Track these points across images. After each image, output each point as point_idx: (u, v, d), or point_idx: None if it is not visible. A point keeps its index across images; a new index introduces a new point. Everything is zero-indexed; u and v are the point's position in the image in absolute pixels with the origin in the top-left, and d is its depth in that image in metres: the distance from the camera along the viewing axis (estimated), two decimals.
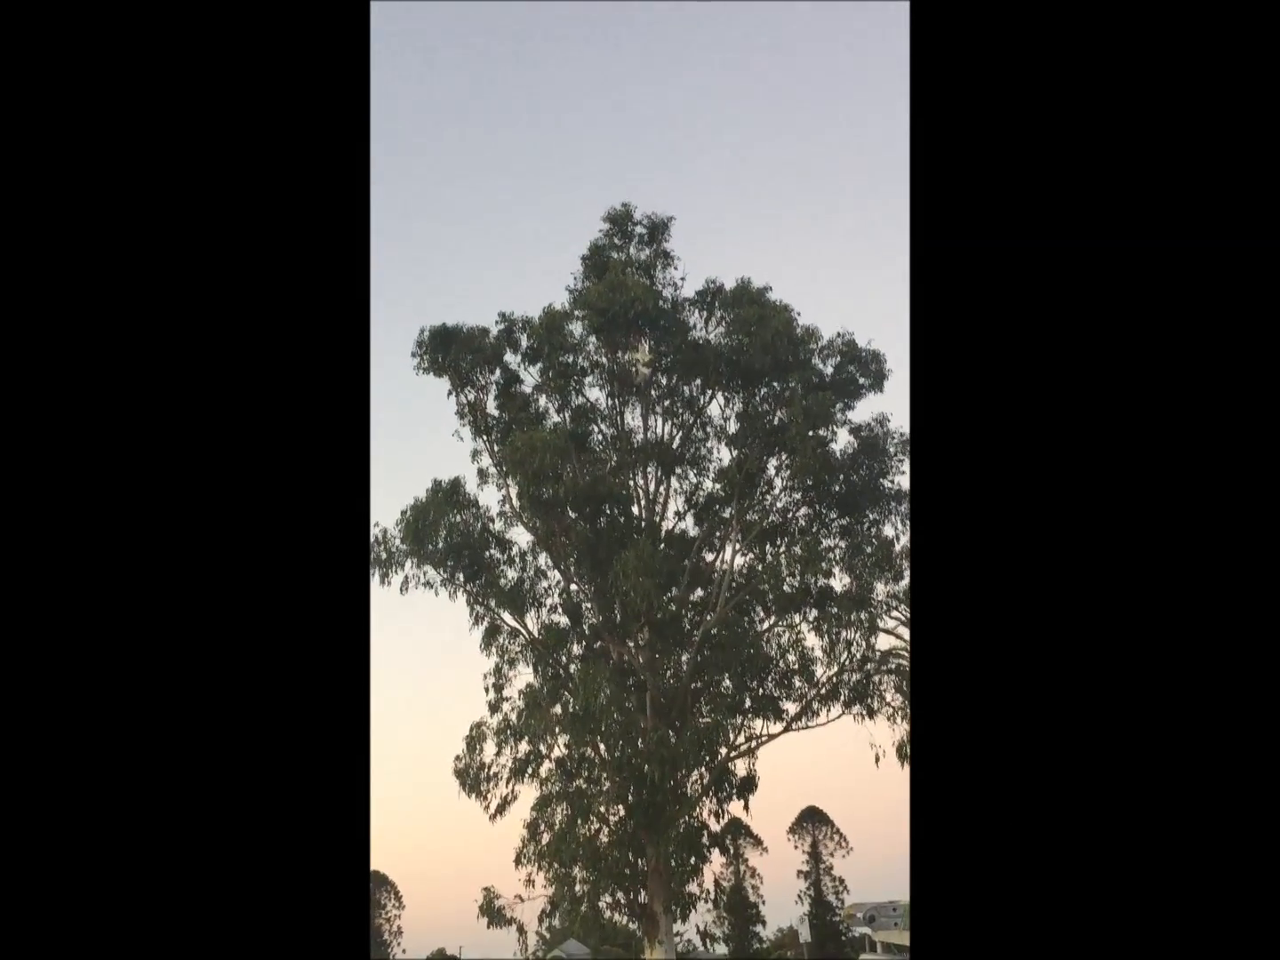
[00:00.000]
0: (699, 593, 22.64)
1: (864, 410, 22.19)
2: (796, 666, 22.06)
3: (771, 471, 22.56)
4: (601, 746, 20.10)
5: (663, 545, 21.95)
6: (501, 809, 20.74)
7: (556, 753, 20.67)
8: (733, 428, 22.60)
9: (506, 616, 22.39)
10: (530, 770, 20.78)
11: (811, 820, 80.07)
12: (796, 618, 22.12)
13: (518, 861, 20.23)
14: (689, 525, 23.19)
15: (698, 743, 20.02)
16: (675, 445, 22.96)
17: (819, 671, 21.88)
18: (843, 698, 21.63)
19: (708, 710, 21.69)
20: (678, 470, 23.12)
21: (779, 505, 22.67)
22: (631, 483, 22.54)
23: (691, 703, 21.39)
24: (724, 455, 23.04)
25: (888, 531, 21.93)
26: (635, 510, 22.49)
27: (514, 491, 22.02)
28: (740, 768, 21.63)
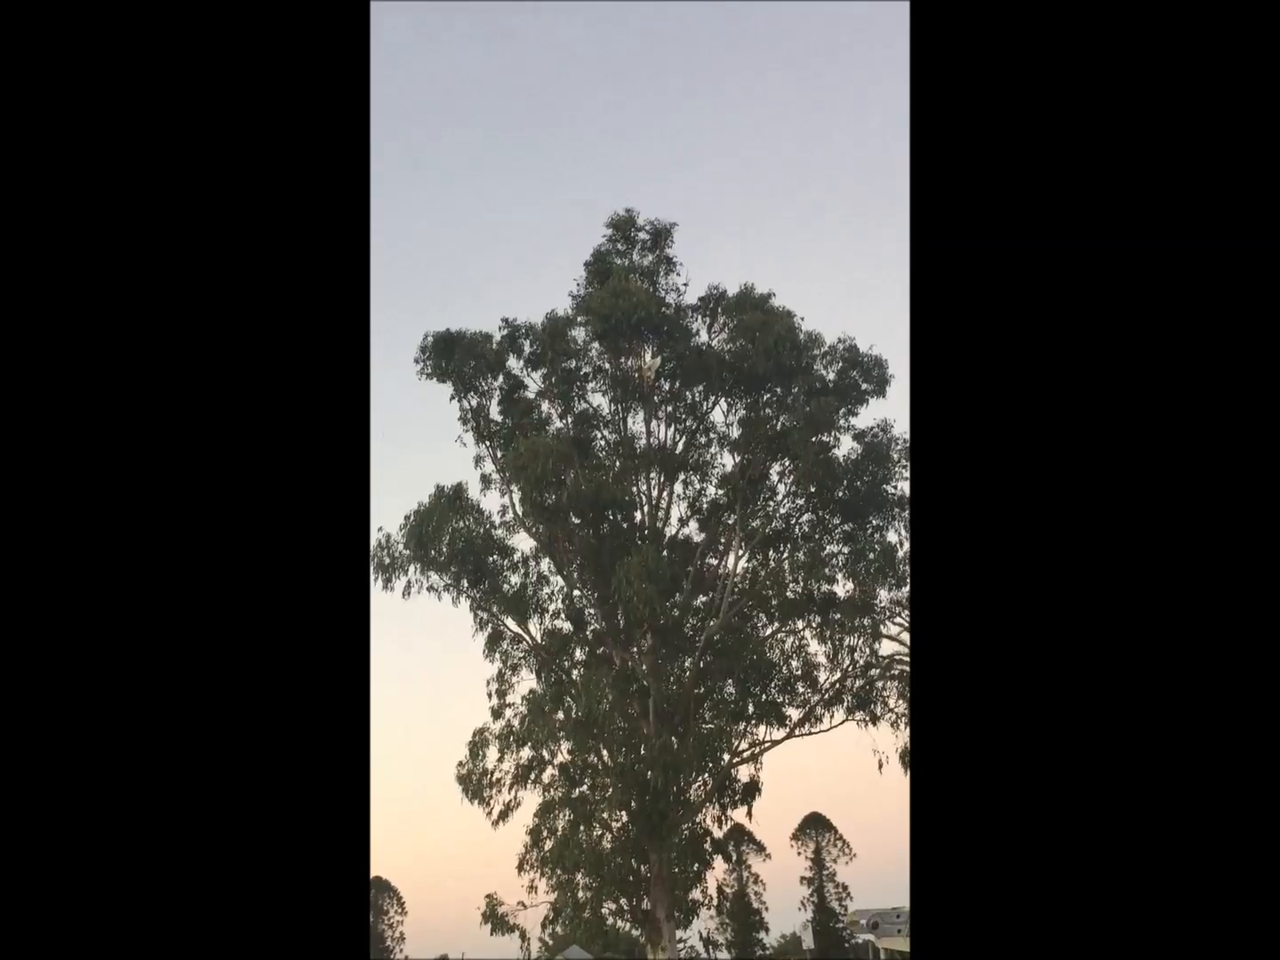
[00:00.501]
0: (702, 598, 22.63)
1: (867, 416, 22.14)
2: (800, 672, 22.13)
3: (774, 477, 22.57)
4: (604, 752, 20.12)
5: (666, 551, 21.93)
6: (504, 815, 20.72)
7: (559, 759, 20.68)
8: (735, 433, 22.63)
9: (509, 622, 22.42)
10: (533, 776, 20.77)
11: (815, 826, 79.89)
12: (800, 623, 22.17)
13: (520, 868, 20.26)
14: (692, 531, 23.22)
15: (701, 749, 20.14)
16: (678, 451, 22.94)
17: (822, 677, 21.99)
18: (846, 704, 21.65)
19: (711, 716, 21.70)
20: (681, 476, 23.10)
21: (782, 511, 22.67)
22: (634, 489, 22.52)
23: (694, 709, 21.36)
24: (727, 461, 23.09)
25: (891, 537, 21.96)
26: (638, 516, 22.49)
27: (517, 497, 22.04)
28: (743, 774, 21.67)
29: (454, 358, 21.87)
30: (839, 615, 21.24)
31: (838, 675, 21.69)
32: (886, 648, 21.44)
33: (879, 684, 21.58)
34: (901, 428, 22.36)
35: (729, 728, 21.07)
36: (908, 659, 21.31)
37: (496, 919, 19.99)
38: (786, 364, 21.14)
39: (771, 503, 22.67)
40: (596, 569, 21.35)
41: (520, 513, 22.18)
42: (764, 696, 21.90)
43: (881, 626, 21.11)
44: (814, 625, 21.90)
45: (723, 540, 22.82)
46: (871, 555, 21.27)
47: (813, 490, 21.78)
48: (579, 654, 22.55)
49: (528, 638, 22.27)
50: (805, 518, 22.58)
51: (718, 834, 21.25)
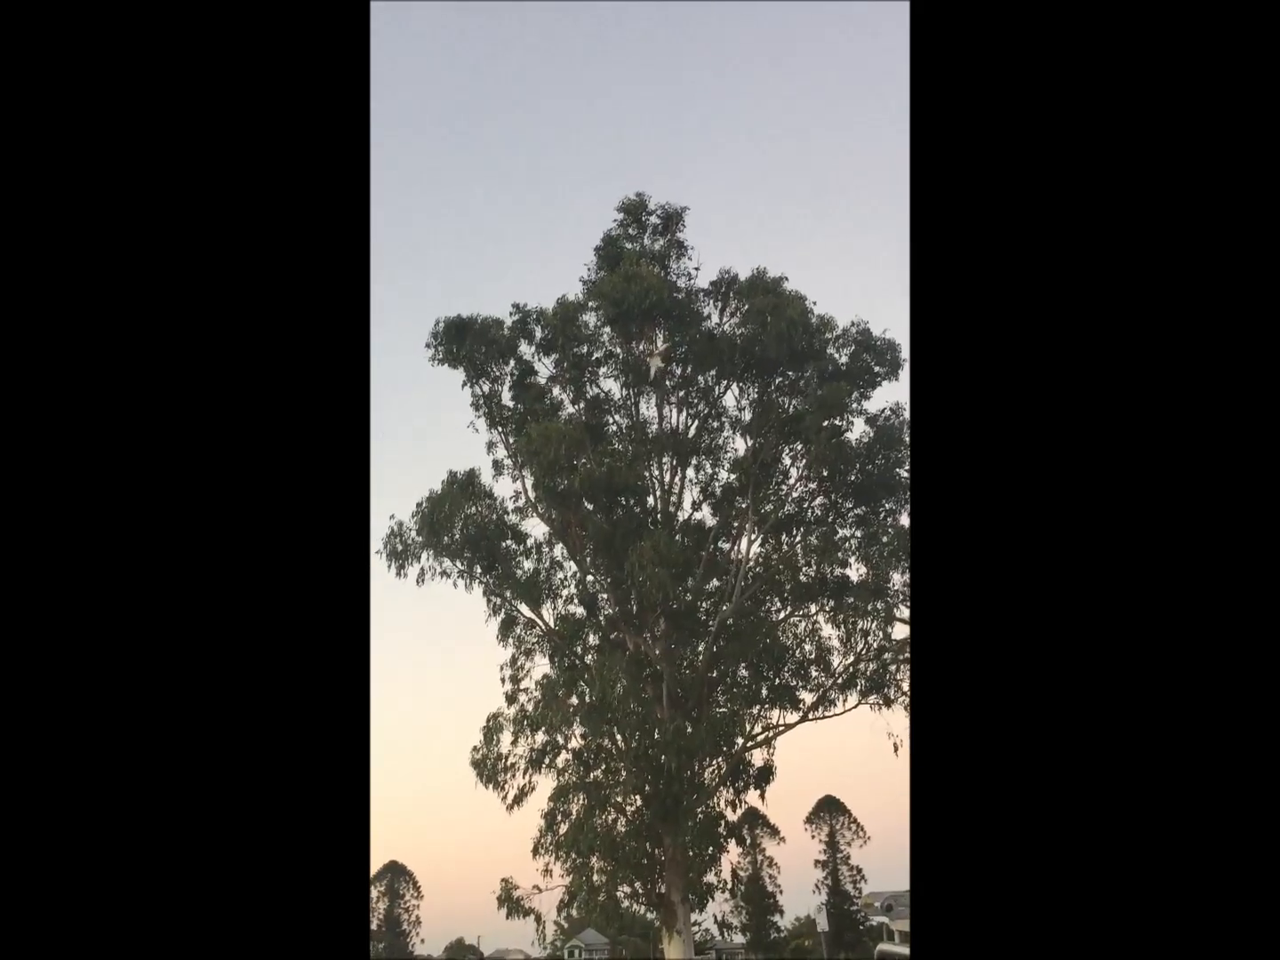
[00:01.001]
0: (715, 583, 22.62)
1: (879, 399, 22.19)
2: (813, 656, 22.13)
3: (787, 461, 22.55)
4: (618, 737, 20.15)
5: (679, 536, 21.95)
6: (519, 800, 20.70)
7: (573, 743, 20.70)
8: (748, 418, 22.61)
9: (523, 608, 22.47)
10: (547, 761, 20.77)
11: (829, 810, 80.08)
12: (813, 607, 22.17)
13: (535, 852, 20.26)
14: (705, 515, 23.24)
15: (714, 733, 20.08)
16: (690, 436, 22.96)
17: (835, 661, 21.99)
18: (859, 687, 21.61)
19: (724, 700, 21.73)
20: (693, 461, 23.10)
21: (795, 495, 22.67)
22: (647, 473, 22.53)
23: (708, 693, 21.40)
24: (739, 445, 23.10)
25: (904, 521, 21.87)
26: (651, 501, 22.52)
27: (529, 483, 22.09)
28: (757, 758, 21.70)
29: (465, 343, 21.90)
30: (852, 599, 21.22)
31: (851, 659, 21.67)
32: (899, 631, 21.43)
33: (892, 667, 21.55)
34: None
35: (742, 711, 21.07)
36: None
37: (512, 903, 20.02)
38: (799, 348, 21.10)
39: (784, 487, 22.67)
40: (609, 554, 21.38)
41: (532, 498, 22.22)
42: (777, 680, 21.91)
43: (895, 610, 21.06)
44: (827, 609, 21.91)
45: (735, 524, 22.83)
46: (884, 539, 21.23)
47: (825, 474, 21.78)
48: (592, 639, 22.60)
49: (541, 623, 22.33)
50: (818, 502, 22.58)
51: (732, 818, 21.22)
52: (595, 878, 19.56)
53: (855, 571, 21.69)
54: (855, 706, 21.75)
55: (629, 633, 21.59)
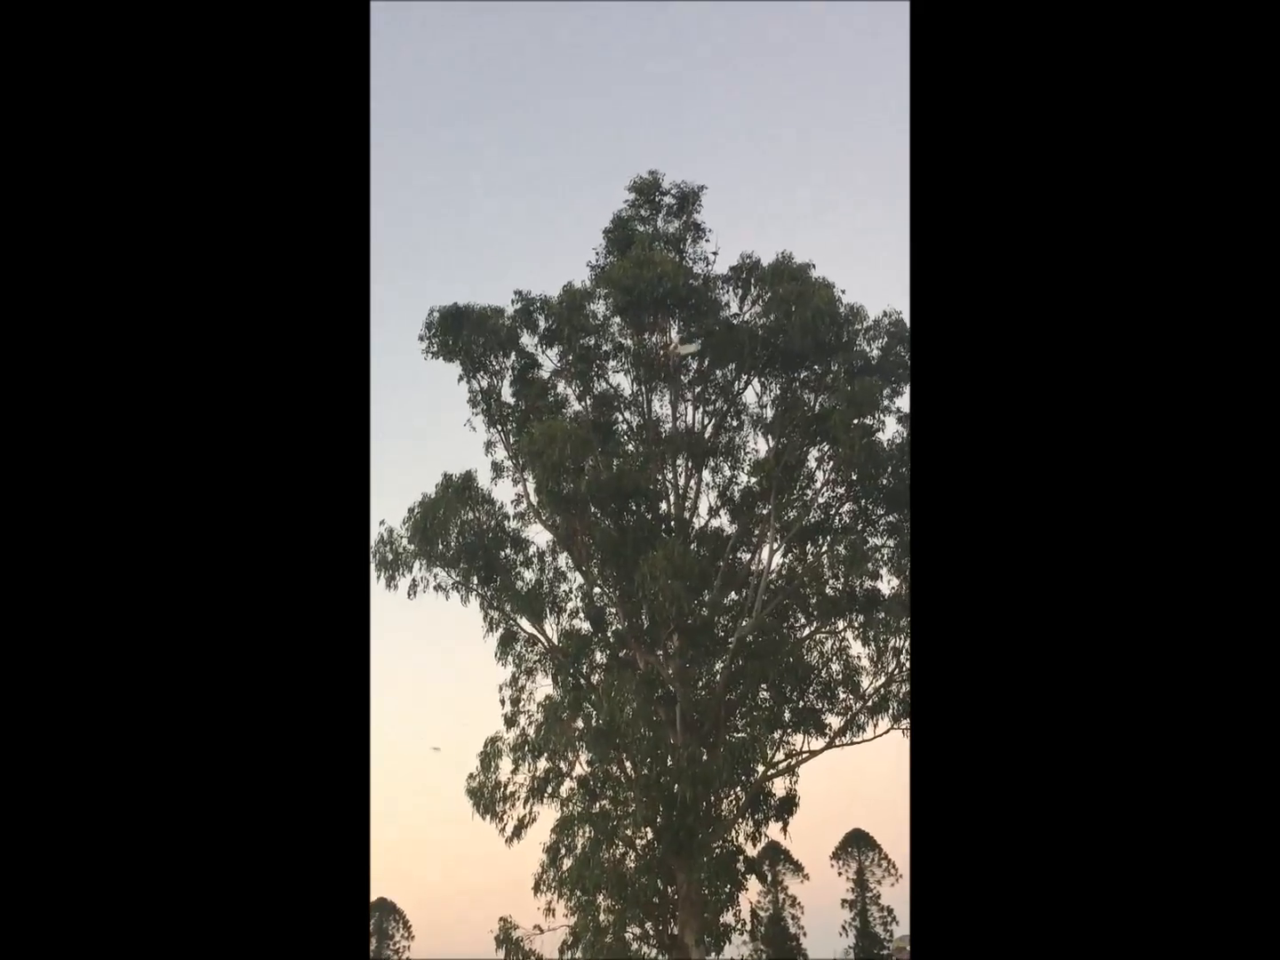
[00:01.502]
0: (733, 596, 22.65)
1: None
2: (840, 676, 22.12)
3: (813, 464, 22.57)
4: (627, 764, 20.23)
5: (694, 544, 21.99)
6: (519, 831, 20.83)
7: (578, 771, 20.78)
8: (770, 416, 22.64)
9: (523, 623, 22.52)
10: (550, 790, 20.87)
11: (857, 845, 79.86)
12: (840, 623, 22.19)
13: (537, 889, 20.31)
14: (723, 522, 23.25)
15: (732, 760, 20.09)
16: (707, 435, 22.99)
17: (865, 682, 21.96)
18: (891, 710, 21.61)
19: (743, 724, 21.73)
20: (710, 463, 23.13)
21: (821, 500, 22.64)
22: (660, 476, 22.58)
23: (725, 716, 21.43)
24: (761, 446, 23.10)
25: None
26: (664, 506, 22.54)
27: (531, 486, 22.18)
28: (779, 787, 21.74)
29: (462, 334, 21.97)
30: (883, 614, 21.22)
31: (882, 679, 21.68)
32: None
33: None
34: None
35: (763, 737, 20.99)
36: None
37: (511, 944, 20.07)
38: (826, 340, 21.10)
39: (809, 491, 22.65)
40: (618, 564, 21.42)
41: (535, 503, 22.29)
42: (801, 703, 21.94)
43: None
44: (856, 625, 21.94)
45: (756, 532, 22.85)
46: None
47: (854, 478, 21.79)
48: (599, 657, 22.61)
49: (543, 639, 22.37)
50: (846, 508, 22.57)
51: (751, 852, 21.33)
52: (602, 917, 19.60)
53: (887, 584, 21.75)
54: (887, 732, 21.77)
55: (639, 650, 21.62)
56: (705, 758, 19.87)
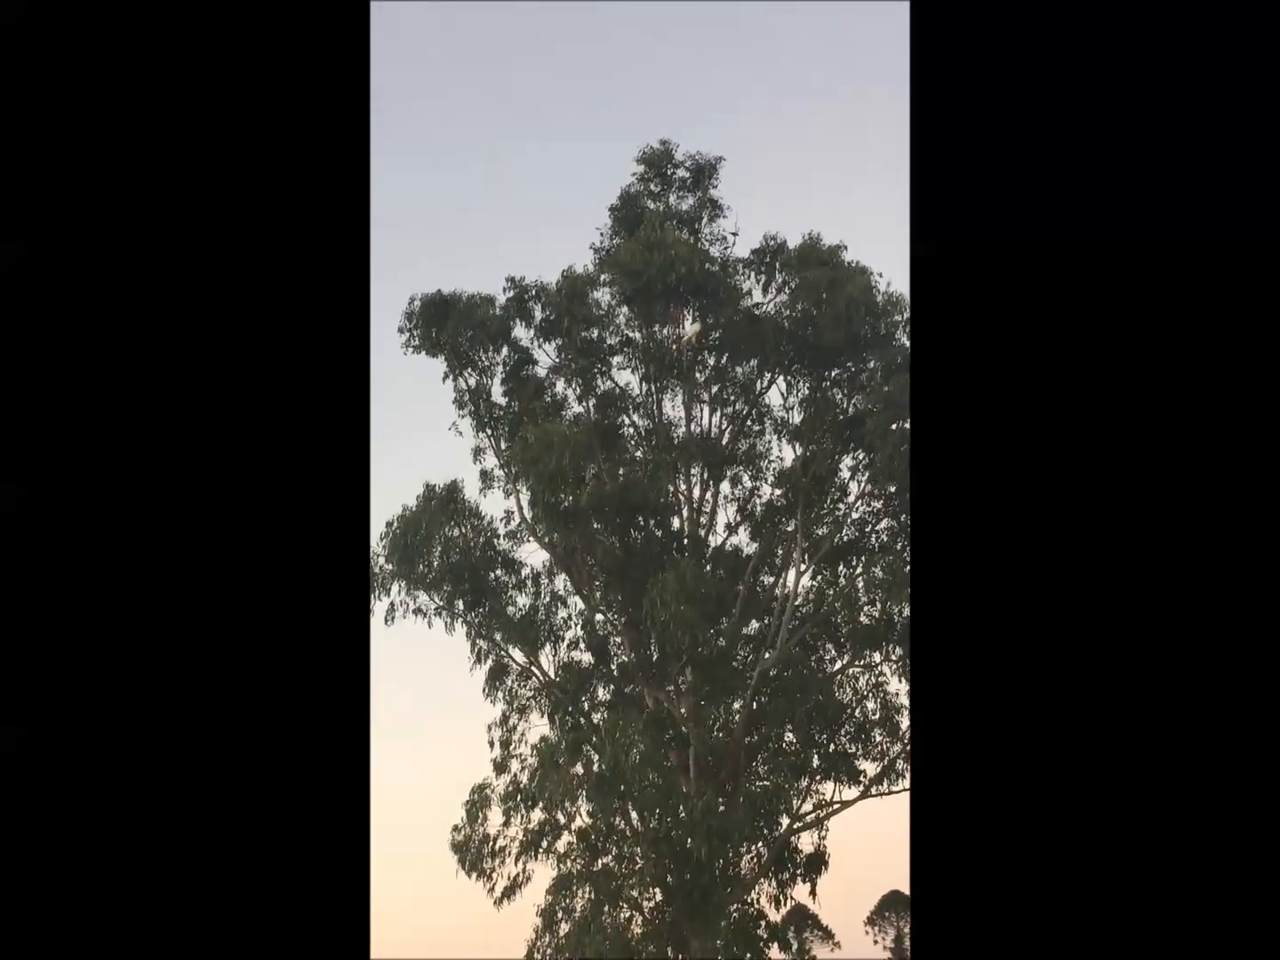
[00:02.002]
0: (755, 625, 22.53)
1: None
2: (877, 717, 21.93)
3: (846, 474, 22.41)
4: (633, 815, 20.01)
5: (710, 566, 21.81)
6: (510, 892, 20.69)
7: (578, 823, 20.54)
8: (797, 419, 22.41)
9: (516, 654, 22.35)
10: (545, 845, 20.64)
11: (895, 908, 79.59)
12: (876, 656, 21.99)
13: (530, 957, 20.15)
14: (742, 540, 23.10)
15: (753, 811, 19.99)
16: (725, 441, 22.84)
17: (905, 723, 21.71)
18: None
19: (765, 771, 21.57)
20: (729, 472, 23.01)
21: (855, 516, 22.51)
22: (671, 488, 22.40)
23: (745, 762, 21.24)
24: (786, 454, 22.88)
25: None
26: (676, 522, 22.42)
27: (525, 499, 21.91)
28: (806, 842, 21.38)
29: (448, 326, 21.82)
30: None
31: None
32: None
33: None
34: None
35: (788, 785, 20.92)
36: None
37: None
38: (861, 332, 20.98)
39: (842, 506, 22.54)
40: (624, 588, 21.30)
41: (529, 518, 22.09)
42: (832, 746, 21.69)
43: None
44: (894, 658, 21.70)
45: (780, 552, 22.73)
46: None
47: (893, 490, 21.52)
48: (602, 693, 22.47)
49: (538, 673, 22.21)
50: (884, 524, 22.39)
51: (774, 916, 20.94)
52: None
53: None
54: None
55: (647, 686, 21.41)
56: (722, 808, 19.65)
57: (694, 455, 22.52)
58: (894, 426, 20.51)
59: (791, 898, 21.54)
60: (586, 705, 22.03)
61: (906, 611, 21.53)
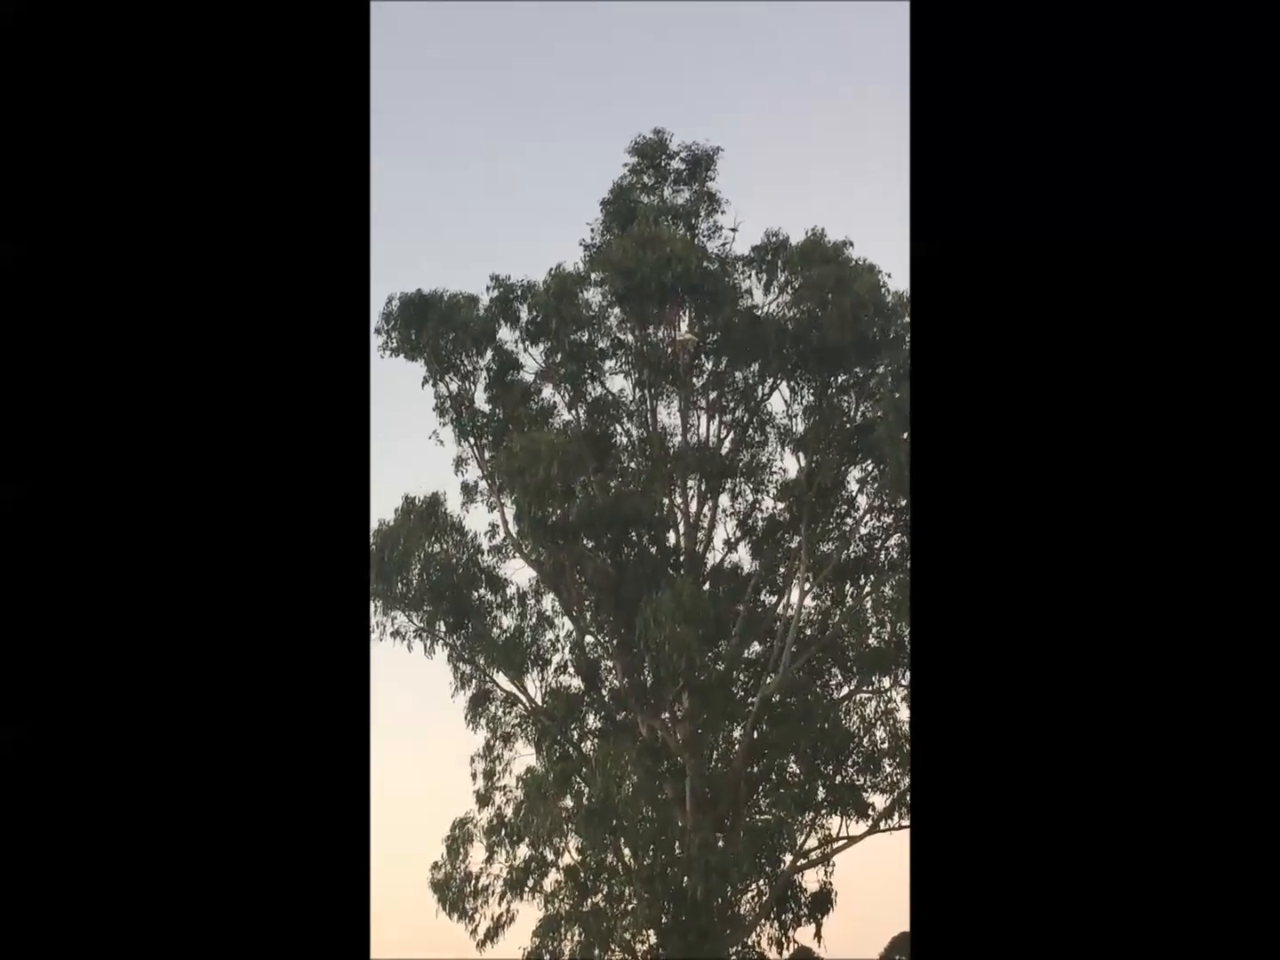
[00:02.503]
0: (756, 648, 22.58)
1: None
2: (886, 746, 21.99)
3: (853, 486, 22.53)
4: (626, 852, 20.04)
5: (708, 584, 21.89)
6: (493, 934, 20.72)
7: (566, 860, 20.58)
8: (801, 428, 22.54)
9: (500, 678, 22.40)
10: (532, 883, 20.66)
11: (905, 951, 79.27)
12: (885, 681, 22.04)
13: None
14: (743, 557, 23.16)
15: (754, 848, 20.02)
16: (725, 451, 22.90)
17: None
18: None
19: (767, 804, 21.60)
20: (728, 484, 23.04)
21: (863, 531, 22.62)
22: (666, 501, 22.47)
23: (746, 794, 21.31)
24: (790, 464, 22.99)
25: None
26: (672, 538, 22.43)
27: (511, 513, 22.02)
28: (811, 880, 21.57)
29: (428, 327, 21.88)
30: None
31: None
32: None
33: None
34: None
35: (791, 819, 20.91)
36: None
37: None
38: (870, 335, 21.05)
39: (849, 520, 22.63)
40: (616, 608, 21.32)
41: (515, 533, 22.18)
42: (838, 778, 21.77)
43: None
44: (904, 683, 21.72)
45: (783, 570, 22.79)
46: None
47: (903, 504, 21.63)
48: (592, 721, 22.55)
49: (524, 699, 22.26)
50: (894, 540, 22.49)
51: (777, 959, 21.15)
52: None
53: None
54: None
55: (641, 713, 21.46)
56: (721, 844, 19.76)
57: (691, 466, 22.55)
58: (905, 435, 20.45)
59: (795, 940, 21.64)
60: (576, 734, 22.10)
61: None
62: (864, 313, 20.87)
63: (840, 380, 22.16)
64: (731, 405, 23.10)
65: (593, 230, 23.60)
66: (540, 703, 22.21)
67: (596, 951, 19.79)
